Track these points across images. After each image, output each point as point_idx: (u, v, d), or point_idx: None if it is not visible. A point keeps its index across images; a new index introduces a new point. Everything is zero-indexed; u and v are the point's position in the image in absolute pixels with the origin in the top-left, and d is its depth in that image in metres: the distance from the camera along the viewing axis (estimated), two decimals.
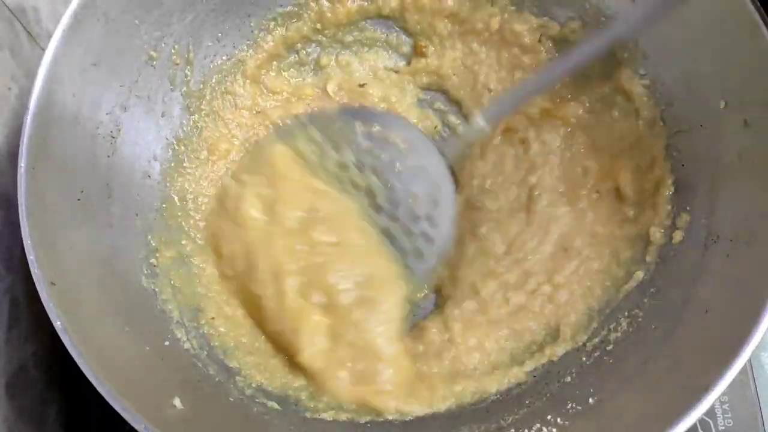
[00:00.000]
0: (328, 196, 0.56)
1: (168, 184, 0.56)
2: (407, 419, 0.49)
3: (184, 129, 0.58)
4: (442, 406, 0.49)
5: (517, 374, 0.50)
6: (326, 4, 0.61)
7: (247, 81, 0.61)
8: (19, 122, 0.45)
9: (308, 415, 0.49)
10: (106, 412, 0.38)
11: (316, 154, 0.57)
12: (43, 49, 0.51)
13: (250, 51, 0.61)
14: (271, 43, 0.61)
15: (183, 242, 0.56)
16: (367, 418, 0.49)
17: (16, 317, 0.47)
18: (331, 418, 0.49)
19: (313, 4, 0.61)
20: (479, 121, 0.54)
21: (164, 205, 0.55)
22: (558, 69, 0.51)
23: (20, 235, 0.41)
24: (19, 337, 0.48)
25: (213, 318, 0.53)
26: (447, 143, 0.59)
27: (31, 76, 0.48)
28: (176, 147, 0.57)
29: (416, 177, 0.55)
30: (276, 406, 0.49)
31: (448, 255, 0.57)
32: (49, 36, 0.46)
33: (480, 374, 0.51)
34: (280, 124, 0.61)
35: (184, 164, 0.58)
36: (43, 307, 0.40)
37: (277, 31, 0.61)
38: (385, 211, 0.56)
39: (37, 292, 0.40)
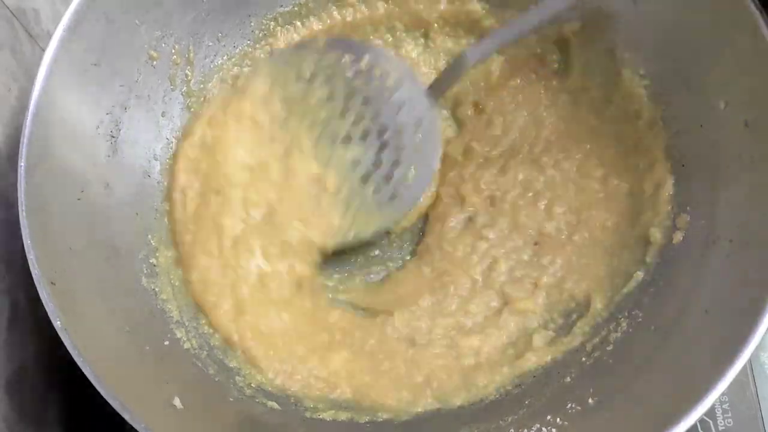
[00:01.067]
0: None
1: (168, 183, 0.56)
2: (407, 419, 0.49)
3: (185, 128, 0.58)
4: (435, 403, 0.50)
5: (516, 374, 0.50)
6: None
7: None
8: (19, 122, 0.45)
9: (308, 415, 0.49)
10: (106, 412, 0.38)
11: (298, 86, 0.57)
12: (43, 49, 0.51)
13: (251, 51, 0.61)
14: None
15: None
16: (366, 419, 0.49)
17: (16, 317, 0.47)
18: (331, 418, 0.49)
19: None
20: (468, 57, 0.53)
21: (164, 205, 0.55)
22: (544, 13, 0.52)
23: (20, 235, 0.41)
24: (19, 337, 0.48)
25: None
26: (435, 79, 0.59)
27: (31, 76, 0.48)
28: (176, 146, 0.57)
29: (403, 108, 0.56)
30: (276, 406, 0.49)
31: (434, 177, 0.58)
32: (49, 36, 0.46)
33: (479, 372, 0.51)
34: (269, 53, 0.61)
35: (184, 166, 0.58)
36: (43, 307, 0.40)
37: (278, 31, 0.61)
38: (370, 139, 0.56)
39: (37, 292, 0.40)
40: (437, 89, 0.56)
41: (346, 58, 0.56)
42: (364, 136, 0.56)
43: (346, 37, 0.62)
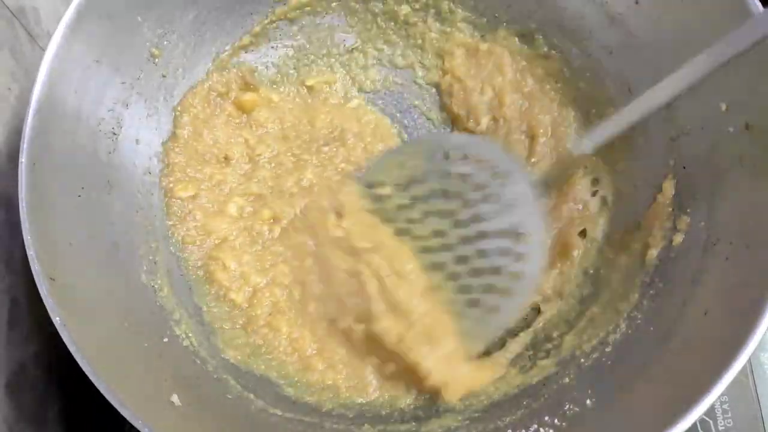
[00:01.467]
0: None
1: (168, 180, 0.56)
2: (406, 417, 0.49)
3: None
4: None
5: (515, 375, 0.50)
6: None
7: None
8: (19, 122, 0.45)
9: (308, 418, 0.49)
10: (106, 412, 0.38)
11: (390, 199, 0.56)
12: (43, 49, 0.51)
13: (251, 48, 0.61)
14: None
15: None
16: (370, 415, 0.49)
17: (17, 317, 0.47)
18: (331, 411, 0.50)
19: None
20: (586, 144, 0.50)
21: (165, 202, 0.55)
22: (668, 89, 0.45)
23: (20, 235, 0.41)
24: (20, 337, 0.48)
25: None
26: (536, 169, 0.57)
27: (31, 76, 0.48)
28: (176, 144, 0.57)
29: (507, 211, 0.52)
30: (276, 406, 0.49)
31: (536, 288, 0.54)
32: (49, 36, 0.46)
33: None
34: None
35: (185, 162, 0.58)
36: (43, 307, 0.40)
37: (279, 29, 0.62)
38: (466, 245, 0.52)
39: (37, 292, 0.40)
40: (544, 185, 0.53)
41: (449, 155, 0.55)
42: (467, 242, 0.52)
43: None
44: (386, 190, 0.56)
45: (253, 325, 0.54)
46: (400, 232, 0.54)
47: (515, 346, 0.53)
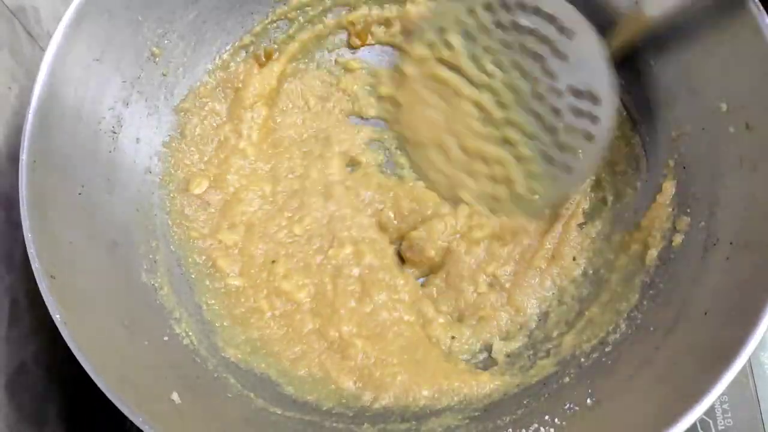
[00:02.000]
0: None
1: (169, 179, 0.56)
2: (406, 416, 0.49)
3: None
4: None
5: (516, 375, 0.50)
6: None
7: None
8: (19, 122, 0.45)
9: (308, 417, 0.49)
10: (106, 412, 0.38)
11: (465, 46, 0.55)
12: (43, 49, 0.51)
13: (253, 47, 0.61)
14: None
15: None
16: (369, 414, 0.49)
17: (17, 316, 0.47)
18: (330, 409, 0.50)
19: None
20: (651, 7, 0.47)
21: (165, 201, 0.55)
22: None
23: (21, 234, 0.41)
24: (20, 336, 0.48)
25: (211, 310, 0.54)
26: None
27: (31, 75, 0.48)
28: (177, 143, 0.57)
29: (578, 69, 0.52)
30: (276, 405, 0.49)
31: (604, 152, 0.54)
32: (49, 36, 0.47)
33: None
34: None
35: (186, 161, 0.58)
36: (44, 305, 0.40)
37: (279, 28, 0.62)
38: (543, 102, 0.53)
39: (37, 291, 0.40)
40: (614, 47, 0.51)
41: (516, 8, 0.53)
42: (540, 98, 0.53)
43: None
44: (455, 39, 0.56)
45: (257, 315, 0.54)
46: (474, 84, 0.55)
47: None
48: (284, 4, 0.60)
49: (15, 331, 0.47)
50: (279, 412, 0.48)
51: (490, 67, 0.55)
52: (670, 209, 0.49)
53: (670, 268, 0.47)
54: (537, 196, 0.55)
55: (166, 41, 0.55)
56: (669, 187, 0.50)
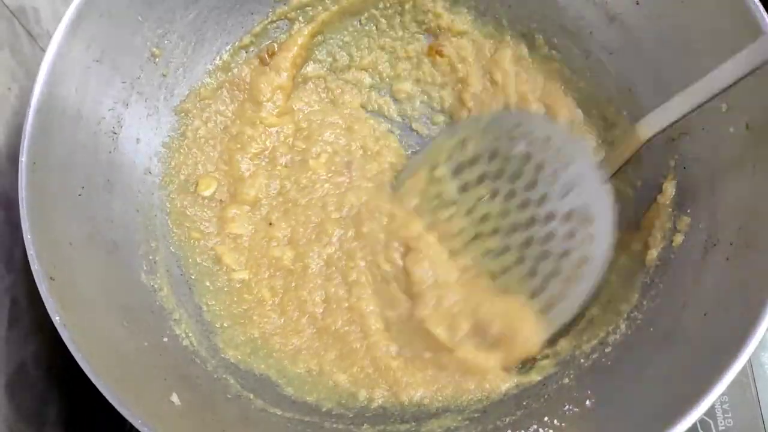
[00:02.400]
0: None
1: (169, 180, 0.56)
2: (406, 417, 0.49)
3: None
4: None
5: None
6: None
7: None
8: (19, 122, 0.45)
9: (308, 418, 0.49)
10: (106, 413, 0.38)
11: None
12: (43, 50, 0.51)
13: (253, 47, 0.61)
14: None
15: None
16: (371, 413, 0.49)
17: (17, 317, 0.47)
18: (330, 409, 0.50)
19: None
20: (644, 131, 0.48)
21: (165, 202, 0.55)
22: (723, 79, 0.43)
23: (20, 235, 0.41)
24: (19, 337, 0.48)
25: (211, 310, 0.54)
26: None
27: (31, 76, 0.48)
28: (178, 144, 0.57)
29: (570, 190, 0.51)
30: (275, 405, 0.49)
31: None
32: (49, 36, 0.46)
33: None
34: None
35: (188, 161, 0.58)
36: (43, 306, 0.40)
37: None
38: (533, 227, 0.52)
39: (37, 291, 0.40)
40: (609, 169, 0.51)
41: (507, 133, 0.54)
42: (529, 223, 0.52)
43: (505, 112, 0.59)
44: (443, 171, 0.56)
45: (258, 310, 0.54)
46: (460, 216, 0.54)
47: None
48: (284, 4, 0.60)
49: (15, 331, 0.47)
50: (279, 413, 0.48)
51: (482, 192, 0.54)
52: (670, 209, 0.49)
53: (670, 268, 0.47)
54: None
55: (166, 41, 0.55)
56: (669, 187, 0.50)
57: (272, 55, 0.61)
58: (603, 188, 0.50)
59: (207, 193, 0.58)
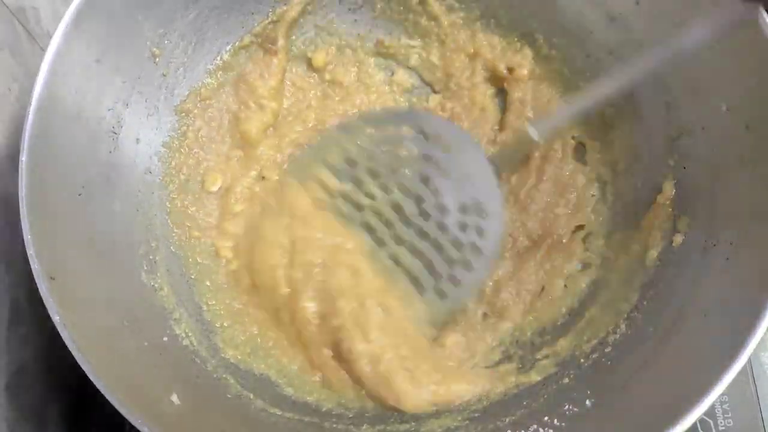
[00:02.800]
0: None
1: (169, 180, 0.56)
2: (405, 417, 0.49)
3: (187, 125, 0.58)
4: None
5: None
6: None
7: None
8: (19, 122, 0.45)
9: (308, 419, 0.49)
10: (106, 412, 0.38)
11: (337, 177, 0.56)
12: (43, 50, 0.51)
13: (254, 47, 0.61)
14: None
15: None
16: (371, 413, 0.49)
17: (17, 317, 0.47)
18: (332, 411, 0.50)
19: None
20: (532, 133, 0.51)
21: (165, 201, 0.55)
22: (606, 89, 0.48)
23: (20, 234, 0.41)
24: (20, 337, 0.48)
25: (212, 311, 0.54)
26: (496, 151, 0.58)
27: (31, 76, 0.48)
28: (178, 143, 0.57)
29: (463, 184, 0.53)
30: (275, 406, 0.49)
31: (495, 265, 0.55)
32: (49, 36, 0.46)
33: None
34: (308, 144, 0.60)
35: (190, 161, 0.58)
36: (43, 306, 0.40)
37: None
38: (428, 220, 0.53)
39: (37, 291, 0.40)
40: (499, 165, 0.54)
41: (400, 130, 0.55)
42: (426, 216, 0.53)
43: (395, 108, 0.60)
44: (338, 165, 0.57)
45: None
46: (355, 209, 0.55)
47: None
48: (284, 4, 0.60)
49: (15, 332, 0.47)
50: (278, 413, 0.48)
51: (375, 189, 0.55)
52: (670, 209, 0.49)
53: (670, 269, 0.47)
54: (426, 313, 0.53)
55: (166, 41, 0.55)
56: (669, 187, 0.50)
57: (274, 42, 0.61)
58: (494, 182, 0.53)
59: (214, 188, 0.58)
